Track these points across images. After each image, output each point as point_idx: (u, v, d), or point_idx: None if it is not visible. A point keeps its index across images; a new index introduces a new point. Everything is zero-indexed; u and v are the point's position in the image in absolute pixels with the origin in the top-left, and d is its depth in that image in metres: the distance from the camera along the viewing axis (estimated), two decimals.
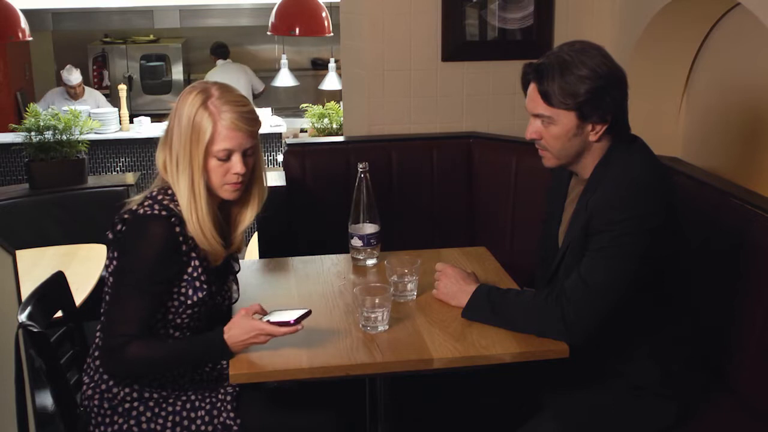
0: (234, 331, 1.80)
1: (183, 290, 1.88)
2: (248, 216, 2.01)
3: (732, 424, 2.04)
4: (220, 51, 7.81)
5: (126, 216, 1.86)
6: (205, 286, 1.90)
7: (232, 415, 1.90)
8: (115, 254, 1.88)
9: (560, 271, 1.96)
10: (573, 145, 1.89)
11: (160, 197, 1.87)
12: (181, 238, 1.85)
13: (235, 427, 1.90)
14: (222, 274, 2.01)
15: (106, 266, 1.93)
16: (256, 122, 1.90)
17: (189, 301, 1.89)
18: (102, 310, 1.91)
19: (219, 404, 1.93)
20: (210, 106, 1.84)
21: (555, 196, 2.09)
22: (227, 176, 1.88)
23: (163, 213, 1.83)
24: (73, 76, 6.40)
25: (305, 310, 1.80)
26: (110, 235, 1.88)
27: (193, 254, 1.88)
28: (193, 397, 1.95)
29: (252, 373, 1.75)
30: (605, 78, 1.82)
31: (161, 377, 1.94)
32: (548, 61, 1.86)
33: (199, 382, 1.99)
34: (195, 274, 1.88)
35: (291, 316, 1.78)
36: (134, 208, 1.86)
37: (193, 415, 1.93)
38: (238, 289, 2.08)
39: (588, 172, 1.94)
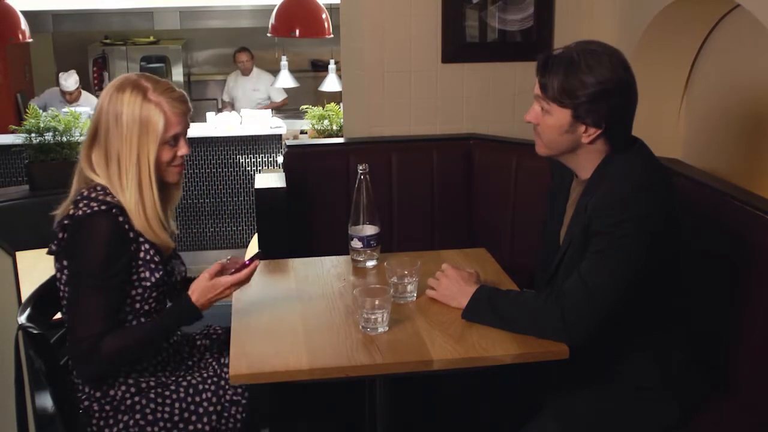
0: (198, 293, 1.88)
1: (142, 275, 1.90)
2: (177, 195, 2.07)
3: (732, 424, 2.04)
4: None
5: (66, 222, 1.86)
6: (160, 266, 1.92)
7: (239, 390, 1.90)
8: (64, 263, 1.89)
9: (560, 272, 1.96)
10: (564, 140, 1.89)
11: (93, 195, 1.87)
12: (126, 227, 1.87)
13: (243, 401, 1.90)
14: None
15: (57, 279, 1.93)
16: (188, 102, 1.97)
17: (148, 284, 1.90)
18: (65, 323, 1.91)
19: (223, 382, 1.93)
20: (152, 98, 1.88)
21: (556, 198, 2.09)
22: (175, 159, 1.94)
23: (103, 207, 1.84)
24: (69, 82, 6.39)
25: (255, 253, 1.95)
26: (54, 248, 1.89)
27: (141, 239, 1.90)
28: (194, 381, 1.96)
29: (252, 374, 1.75)
30: (607, 86, 1.81)
31: (156, 366, 1.96)
32: (557, 56, 1.86)
33: (198, 363, 2.02)
34: (148, 257, 1.90)
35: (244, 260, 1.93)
36: (70, 213, 1.86)
37: (198, 398, 1.94)
38: (182, 262, 2.11)
39: (587, 173, 1.94)
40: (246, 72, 7.47)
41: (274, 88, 7.35)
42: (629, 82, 1.86)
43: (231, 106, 7.45)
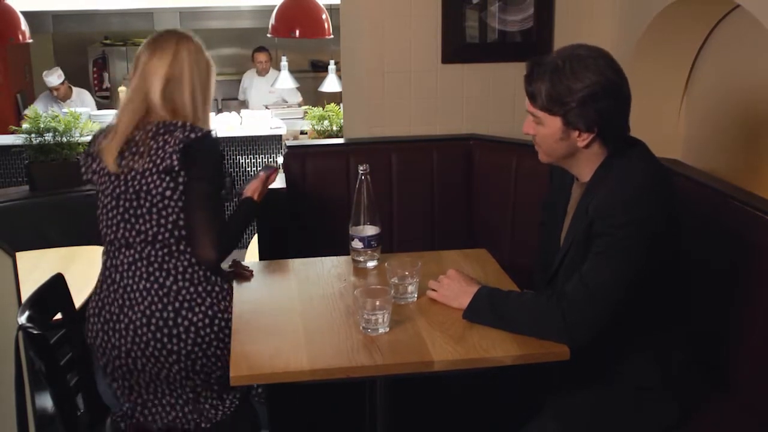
0: (251, 191, 2.36)
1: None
2: None
3: (732, 424, 2.04)
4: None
5: (194, 136, 2.05)
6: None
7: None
8: (180, 181, 2.04)
9: (560, 273, 1.96)
10: (561, 147, 1.90)
11: (187, 125, 2.07)
12: None
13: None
14: None
15: (166, 197, 2.04)
16: None
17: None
18: (187, 234, 2.06)
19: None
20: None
21: (555, 201, 2.09)
22: None
23: (209, 131, 2.10)
24: (52, 77, 6.40)
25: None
26: (176, 164, 2.02)
27: None
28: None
29: (252, 375, 1.75)
30: (595, 90, 1.80)
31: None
32: (543, 63, 1.86)
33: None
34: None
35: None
36: (188, 130, 2.05)
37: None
38: None
39: (587, 176, 1.94)
40: (263, 72, 7.41)
41: (288, 90, 7.31)
42: (618, 83, 1.85)
43: (245, 106, 7.41)
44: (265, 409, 2.70)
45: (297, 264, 2.36)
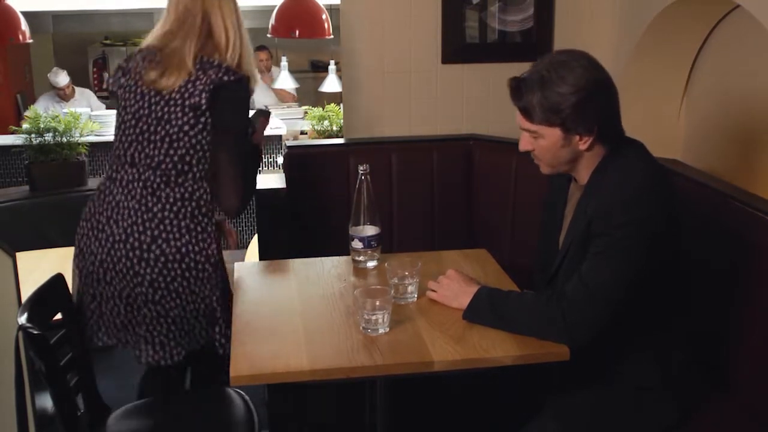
0: (256, 140, 2.31)
1: None
2: None
3: (732, 425, 2.04)
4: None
5: (227, 77, 2.09)
6: None
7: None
8: (207, 121, 2.08)
9: (560, 274, 1.97)
10: (564, 154, 1.90)
11: (223, 65, 2.12)
12: None
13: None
14: None
15: (183, 132, 2.09)
16: None
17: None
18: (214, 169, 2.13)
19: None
20: None
21: (554, 203, 2.10)
22: None
23: (241, 75, 2.14)
24: (60, 78, 6.41)
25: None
26: (203, 103, 2.07)
27: None
28: None
29: (252, 375, 1.75)
30: (586, 90, 1.81)
31: None
32: (527, 78, 1.86)
33: None
34: None
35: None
36: (221, 71, 2.09)
37: None
38: None
39: (585, 177, 1.94)
40: (264, 71, 7.41)
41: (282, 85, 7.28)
42: (605, 80, 1.86)
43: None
44: (265, 408, 2.70)
45: (297, 264, 2.36)
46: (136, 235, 2.08)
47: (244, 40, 2.20)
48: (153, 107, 2.10)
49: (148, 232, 2.08)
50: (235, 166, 2.12)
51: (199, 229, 2.13)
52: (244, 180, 2.16)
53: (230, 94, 2.09)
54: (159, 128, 2.09)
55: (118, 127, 2.17)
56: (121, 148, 2.14)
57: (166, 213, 2.09)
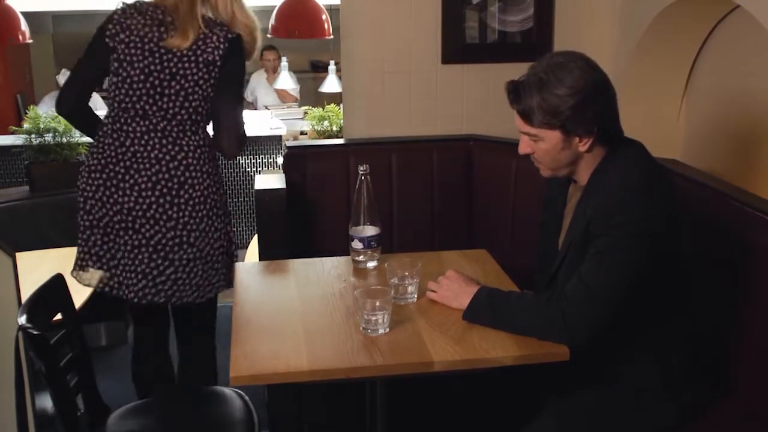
0: None
1: None
2: None
3: (732, 426, 2.04)
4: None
5: (232, 36, 2.26)
6: None
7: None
8: (215, 74, 2.23)
9: (559, 275, 1.97)
10: (564, 156, 1.90)
11: (225, 25, 2.28)
12: None
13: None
14: None
15: (197, 87, 2.23)
16: None
17: None
18: (221, 122, 2.32)
19: None
20: None
21: (553, 204, 2.10)
22: None
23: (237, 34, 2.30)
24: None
25: None
26: (218, 59, 2.22)
27: None
28: None
29: (252, 376, 1.75)
30: (585, 91, 1.81)
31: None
32: (525, 81, 1.86)
33: None
34: None
35: None
36: (228, 32, 2.25)
37: None
38: None
39: (585, 178, 1.94)
40: (272, 71, 7.39)
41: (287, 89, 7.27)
42: (603, 81, 1.86)
43: (253, 105, 7.39)
44: (265, 409, 2.70)
45: (297, 264, 2.36)
46: (164, 182, 2.21)
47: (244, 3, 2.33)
48: (165, 63, 2.20)
49: (175, 179, 2.22)
50: (237, 112, 2.33)
51: (213, 171, 2.31)
52: (244, 131, 2.36)
53: (236, 48, 2.26)
54: (173, 83, 2.20)
55: (120, 81, 2.23)
56: (128, 102, 2.22)
57: (189, 159, 2.24)
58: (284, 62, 6.78)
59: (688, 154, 3.23)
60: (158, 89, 2.21)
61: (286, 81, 6.79)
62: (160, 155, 2.22)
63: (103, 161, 2.24)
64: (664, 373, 1.95)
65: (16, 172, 5.53)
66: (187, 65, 2.20)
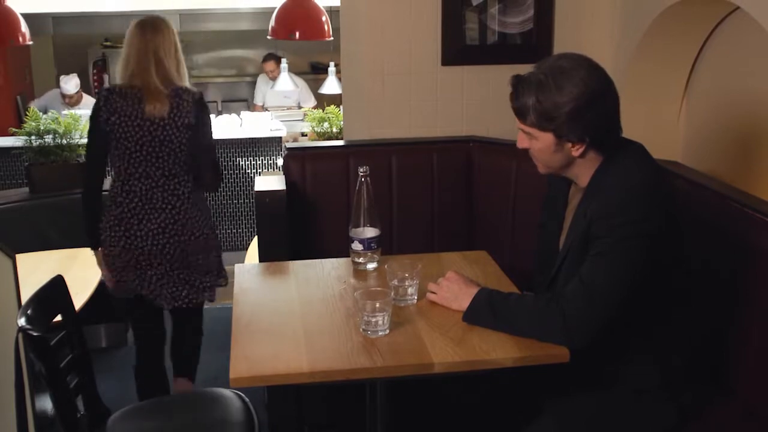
0: None
1: None
2: None
3: (732, 426, 2.04)
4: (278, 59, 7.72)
5: (197, 98, 2.74)
6: None
7: None
8: (191, 126, 2.70)
9: (559, 277, 1.97)
10: (557, 158, 1.91)
11: (190, 89, 2.76)
12: None
13: None
14: None
15: (178, 143, 2.70)
16: None
17: None
18: (204, 163, 2.80)
19: None
20: None
21: (554, 205, 2.10)
22: None
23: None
24: (70, 85, 6.32)
25: None
26: (193, 121, 2.70)
27: None
28: None
29: (252, 377, 1.75)
30: (581, 102, 1.80)
31: None
32: (526, 79, 1.86)
33: None
34: None
35: None
36: (193, 95, 2.73)
37: None
38: None
39: (585, 180, 1.94)
40: (274, 80, 7.38)
41: (303, 93, 7.25)
42: (602, 91, 1.84)
43: (262, 107, 7.38)
44: (265, 410, 2.70)
45: (297, 266, 2.36)
46: (171, 226, 2.72)
47: (183, 61, 2.82)
48: (153, 132, 2.67)
49: (179, 222, 2.73)
50: (214, 155, 2.83)
51: (203, 203, 2.85)
52: (218, 163, 2.87)
53: (202, 106, 2.75)
54: (164, 147, 2.68)
55: (119, 153, 2.69)
56: (130, 168, 2.70)
57: (186, 204, 2.75)
58: (284, 64, 6.79)
59: (688, 155, 3.23)
60: (153, 155, 2.68)
61: (287, 83, 6.79)
62: (164, 205, 2.73)
63: (117, 218, 2.73)
64: (664, 374, 1.95)
65: (16, 173, 5.53)
66: (170, 131, 2.67)
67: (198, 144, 2.72)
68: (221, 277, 2.93)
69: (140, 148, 2.65)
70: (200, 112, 2.72)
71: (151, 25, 2.77)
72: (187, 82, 2.78)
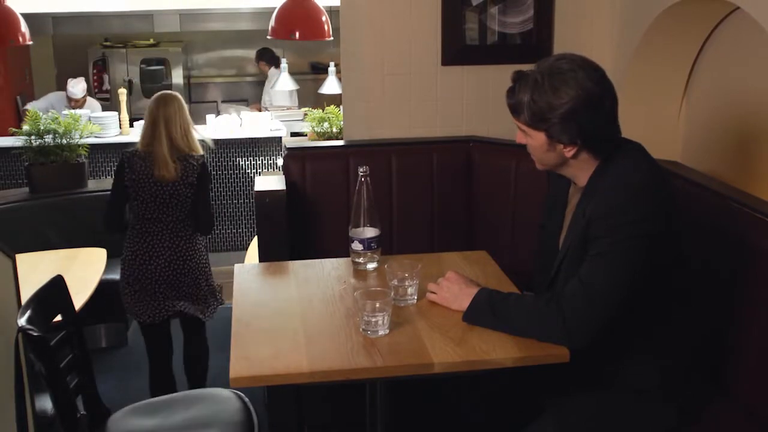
0: None
1: None
2: None
3: (732, 426, 2.04)
4: (270, 57, 7.72)
5: (200, 162, 3.25)
6: None
7: None
8: (193, 185, 3.21)
9: (559, 276, 1.96)
10: (551, 156, 1.91)
11: (195, 155, 3.28)
12: None
13: None
14: None
15: (188, 202, 3.22)
16: None
17: None
18: (204, 218, 3.30)
19: None
20: None
21: (554, 205, 2.10)
22: None
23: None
24: (77, 89, 6.27)
25: None
26: (196, 181, 3.22)
27: None
28: None
29: (252, 377, 1.75)
30: (574, 105, 1.80)
31: None
32: (524, 76, 1.86)
33: None
34: None
35: None
36: (197, 160, 3.25)
37: None
38: None
39: (583, 180, 1.94)
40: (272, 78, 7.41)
41: (283, 93, 7.27)
42: (598, 95, 1.83)
43: (262, 107, 7.40)
44: (264, 410, 2.70)
45: (297, 266, 2.36)
46: (175, 263, 3.22)
47: (190, 128, 3.30)
48: (164, 190, 3.19)
49: (181, 260, 3.23)
50: (209, 207, 3.32)
51: (199, 241, 3.34)
52: (212, 214, 3.38)
53: (205, 170, 3.27)
54: (173, 201, 3.21)
55: (140, 203, 3.20)
56: (147, 214, 3.21)
57: (188, 244, 3.26)
58: (284, 64, 6.79)
59: (687, 155, 3.23)
60: (164, 206, 3.20)
61: (286, 83, 6.79)
62: (171, 245, 3.22)
63: (134, 254, 3.21)
64: (664, 374, 1.95)
65: (15, 173, 5.53)
66: (179, 188, 3.20)
67: (198, 198, 3.25)
68: (215, 299, 3.44)
69: (153, 200, 3.20)
70: (203, 174, 3.26)
71: (163, 100, 3.30)
72: (195, 145, 3.30)
